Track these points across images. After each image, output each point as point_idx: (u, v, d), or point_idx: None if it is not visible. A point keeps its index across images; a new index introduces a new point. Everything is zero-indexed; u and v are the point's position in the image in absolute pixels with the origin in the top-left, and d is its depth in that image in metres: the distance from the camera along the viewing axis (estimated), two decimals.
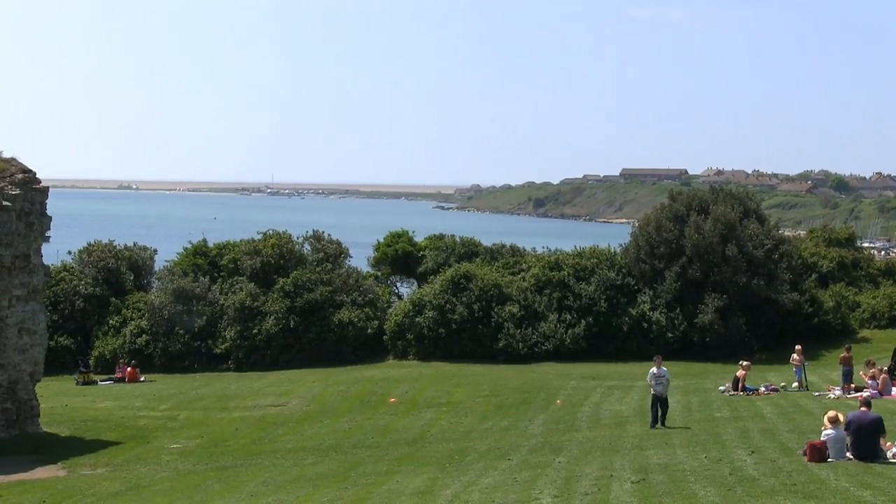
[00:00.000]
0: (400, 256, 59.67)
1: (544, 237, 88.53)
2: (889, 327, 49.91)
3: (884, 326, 50.21)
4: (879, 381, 31.68)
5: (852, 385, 32.47)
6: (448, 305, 49.43)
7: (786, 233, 68.27)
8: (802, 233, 75.56)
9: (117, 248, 56.83)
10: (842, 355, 33.77)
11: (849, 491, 16.33)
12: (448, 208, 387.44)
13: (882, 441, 19.94)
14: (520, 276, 52.61)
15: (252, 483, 22.81)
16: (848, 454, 19.76)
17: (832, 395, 31.91)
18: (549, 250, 56.98)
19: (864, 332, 50.14)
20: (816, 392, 33.08)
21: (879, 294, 52.31)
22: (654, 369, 27.75)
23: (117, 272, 54.70)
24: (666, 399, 27.61)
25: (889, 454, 19.68)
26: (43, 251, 32.33)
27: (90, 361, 48.97)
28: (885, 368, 32.99)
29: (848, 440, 19.90)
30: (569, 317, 49.07)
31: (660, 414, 27.32)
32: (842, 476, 17.60)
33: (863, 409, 20.43)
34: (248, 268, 53.64)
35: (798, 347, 35.88)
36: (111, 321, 52.02)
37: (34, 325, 31.38)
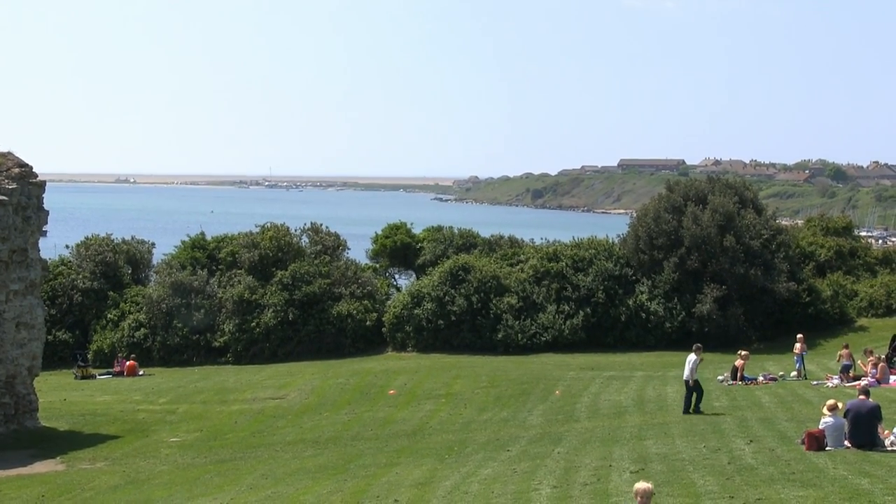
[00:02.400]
0: (398, 248, 59.64)
1: (542, 228, 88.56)
2: (886, 315, 49.94)
3: (881, 315, 50.22)
4: (878, 370, 31.74)
5: (851, 374, 32.48)
6: (447, 297, 49.44)
7: (783, 222, 68.20)
8: (800, 222, 75.44)
9: (115, 241, 56.77)
10: (841, 352, 33.56)
11: (847, 479, 16.36)
12: (446, 200, 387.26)
13: (880, 429, 19.98)
14: (518, 267, 52.62)
15: (251, 476, 22.83)
16: (846, 442, 19.80)
17: (830, 384, 31.97)
18: (548, 241, 56.91)
19: (862, 321, 50.17)
20: (815, 381, 33.13)
21: (877, 283, 52.31)
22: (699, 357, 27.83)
23: (115, 266, 54.65)
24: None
25: (887, 442, 19.71)
26: (40, 245, 32.31)
27: (88, 355, 48.97)
28: (884, 357, 33.05)
29: (846, 428, 19.94)
30: (567, 308, 49.10)
31: (693, 399, 27.41)
32: (840, 464, 17.64)
33: (861, 397, 20.47)
34: (246, 261, 53.60)
35: (800, 336, 35.96)
36: (109, 315, 52.00)
37: (32, 319, 31.37)
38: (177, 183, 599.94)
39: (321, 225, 58.07)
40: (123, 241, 57.64)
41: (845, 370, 32.73)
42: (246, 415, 33.56)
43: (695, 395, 27.43)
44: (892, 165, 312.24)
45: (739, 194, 52.67)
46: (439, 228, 60.62)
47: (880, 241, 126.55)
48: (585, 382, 35.69)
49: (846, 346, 34.32)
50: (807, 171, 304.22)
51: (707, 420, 25.38)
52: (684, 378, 27.65)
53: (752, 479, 16.51)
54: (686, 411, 27.18)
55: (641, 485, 12.68)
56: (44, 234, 32.17)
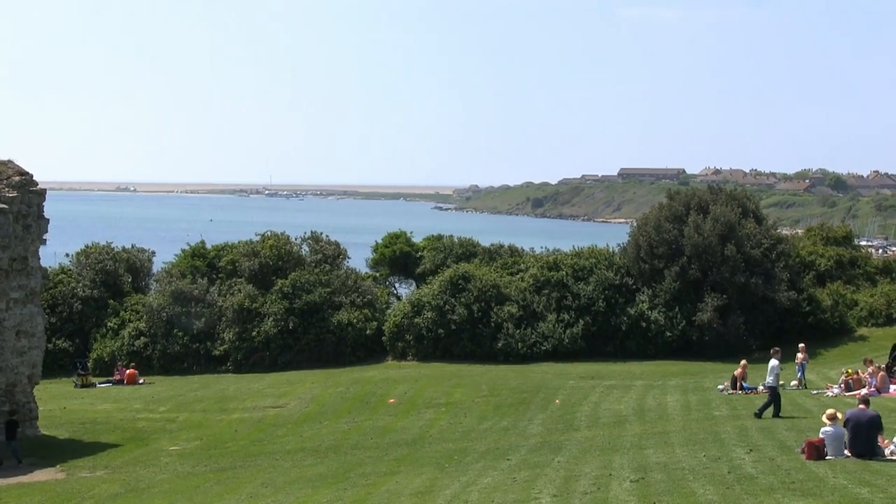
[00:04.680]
0: (398, 257, 59.66)
1: (543, 237, 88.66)
2: (886, 325, 49.93)
3: (881, 324, 50.22)
4: (877, 379, 31.71)
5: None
6: (447, 306, 49.44)
7: (784, 231, 68.22)
8: (800, 231, 75.52)
9: (115, 250, 56.77)
10: (846, 378, 33.28)
11: (847, 488, 16.35)
12: (446, 209, 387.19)
13: (880, 438, 19.98)
14: (518, 276, 52.63)
15: (251, 484, 22.83)
16: (846, 452, 19.80)
17: (830, 394, 31.95)
18: (548, 250, 56.99)
19: (862, 331, 50.16)
20: (815, 390, 33.12)
21: (877, 292, 52.33)
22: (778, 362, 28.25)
23: (115, 274, 54.65)
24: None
25: (887, 451, 19.71)
26: (40, 253, 32.33)
27: (88, 364, 48.91)
28: (884, 366, 33.00)
29: (846, 438, 19.95)
30: (567, 317, 49.10)
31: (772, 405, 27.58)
32: (840, 473, 17.63)
33: (861, 406, 20.48)
34: (246, 269, 53.61)
35: (802, 346, 36.01)
36: (109, 323, 51.98)
37: (32, 327, 31.38)
38: (177, 191, 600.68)
39: (321, 234, 58.09)
40: (123, 249, 57.64)
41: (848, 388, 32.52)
42: (246, 423, 33.54)
43: (772, 403, 27.65)
44: (893, 175, 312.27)
45: (741, 205, 52.66)
46: (439, 237, 60.62)
47: (880, 251, 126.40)
48: (585, 391, 35.69)
49: (856, 373, 33.97)
50: (807, 181, 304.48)
51: (707, 429, 25.37)
52: (770, 385, 27.91)
53: (752, 489, 16.50)
54: (759, 415, 27.29)
55: None
56: (44, 242, 32.20)
